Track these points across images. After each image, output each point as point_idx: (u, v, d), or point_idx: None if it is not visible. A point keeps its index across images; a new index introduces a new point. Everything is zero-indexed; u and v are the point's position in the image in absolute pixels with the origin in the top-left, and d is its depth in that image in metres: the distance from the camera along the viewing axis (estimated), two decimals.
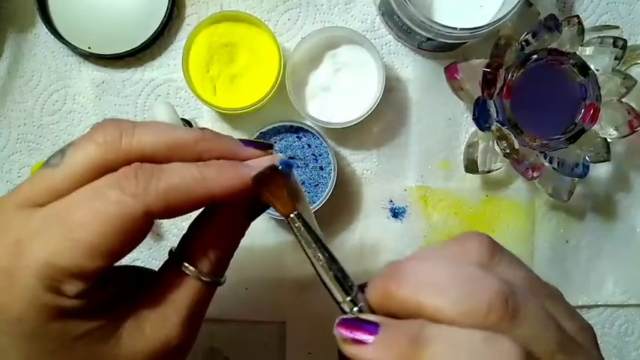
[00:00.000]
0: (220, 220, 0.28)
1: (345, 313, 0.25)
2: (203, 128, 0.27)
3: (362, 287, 0.25)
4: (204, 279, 0.27)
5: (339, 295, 0.25)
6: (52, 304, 0.23)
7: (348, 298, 0.24)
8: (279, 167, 0.27)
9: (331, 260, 0.25)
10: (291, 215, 0.26)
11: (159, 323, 0.26)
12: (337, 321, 0.24)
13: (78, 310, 0.24)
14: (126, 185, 0.23)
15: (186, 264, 0.27)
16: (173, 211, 0.24)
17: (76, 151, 0.24)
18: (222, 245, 0.28)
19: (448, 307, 0.21)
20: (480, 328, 0.21)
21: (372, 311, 0.24)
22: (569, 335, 0.23)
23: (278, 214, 0.27)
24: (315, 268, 0.26)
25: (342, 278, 0.25)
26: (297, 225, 0.26)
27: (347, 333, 0.23)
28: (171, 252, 0.28)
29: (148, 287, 0.27)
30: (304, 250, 0.26)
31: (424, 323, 0.22)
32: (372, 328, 0.23)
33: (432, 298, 0.22)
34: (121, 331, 0.25)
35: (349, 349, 0.23)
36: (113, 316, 0.25)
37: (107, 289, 0.26)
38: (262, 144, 0.28)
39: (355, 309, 0.24)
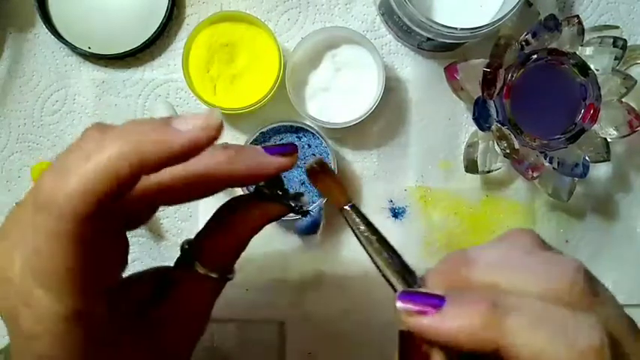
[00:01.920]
0: (235, 222, 0.29)
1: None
2: (225, 144, 0.27)
3: (423, 278, 0.24)
4: (216, 276, 0.28)
5: (399, 285, 0.24)
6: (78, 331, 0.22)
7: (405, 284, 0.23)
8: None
9: (390, 250, 0.25)
10: (346, 207, 0.27)
11: (190, 323, 0.28)
12: (398, 295, 0.23)
13: (109, 328, 0.24)
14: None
15: (199, 264, 0.28)
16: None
17: None
18: (234, 246, 0.29)
19: (532, 283, 0.21)
20: (562, 304, 0.20)
21: None
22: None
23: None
24: (374, 259, 0.25)
25: (402, 268, 0.24)
26: (353, 217, 0.26)
27: (409, 305, 0.22)
28: (182, 248, 0.29)
29: (169, 291, 0.28)
30: (361, 243, 0.25)
31: (503, 293, 0.21)
32: (437, 297, 0.21)
33: (510, 276, 0.21)
34: (160, 337, 0.27)
35: (415, 322, 0.21)
36: (148, 323, 0.27)
37: (129, 298, 0.27)
38: (285, 147, 0.28)
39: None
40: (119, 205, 0.23)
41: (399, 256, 0.25)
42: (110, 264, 0.25)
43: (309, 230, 0.30)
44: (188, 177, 0.26)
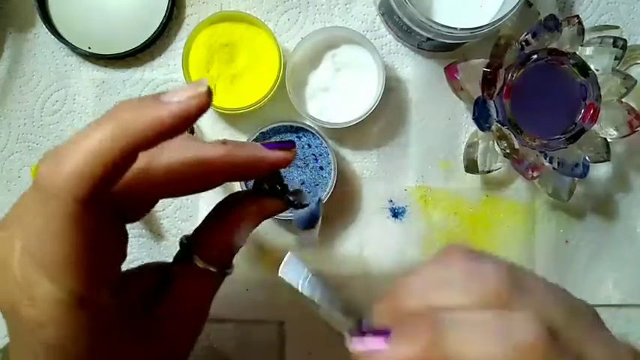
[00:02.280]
0: (233, 216, 0.29)
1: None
2: (224, 140, 0.28)
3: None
4: (215, 271, 0.29)
5: (344, 327, 0.24)
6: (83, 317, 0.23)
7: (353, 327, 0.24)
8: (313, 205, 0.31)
9: (332, 294, 0.25)
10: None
11: (190, 318, 0.28)
12: (348, 341, 0.24)
13: (110, 317, 0.24)
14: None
15: (197, 258, 0.28)
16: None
17: None
18: (232, 240, 0.29)
19: (458, 297, 0.21)
20: (495, 308, 0.21)
21: None
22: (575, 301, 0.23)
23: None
24: (317, 309, 0.26)
25: (346, 310, 0.25)
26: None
27: (360, 346, 0.23)
28: (182, 243, 0.29)
29: (169, 286, 0.28)
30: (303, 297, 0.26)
31: (438, 311, 0.21)
32: (383, 332, 0.22)
33: (441, 295, 0.22)
34: (163, 332, 0.27)
35: None
36: (152, 318, 0.27)
37: (130, 292, 0.27)
38: (284, 143, 0.29)
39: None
40: (118, 193, 0.23)
41: (340, 299, 0.25)
42: (110, 254, 0.25)
43: (307, 224, 0.30)
44: (187, 167, 0.26)
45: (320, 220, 0.30)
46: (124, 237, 0.27)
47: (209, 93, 0.22)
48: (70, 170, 0.20)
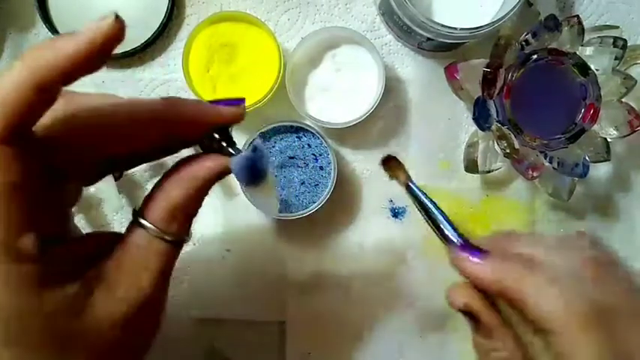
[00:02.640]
0: (177, 175, 0.27)
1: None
2: (167, 97, 0.27)
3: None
4: (165, 237, 0.26)
5: (455, 239, 0.32)
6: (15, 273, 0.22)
7: (460, 240, 0.32)
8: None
9: (442, 213, 0.33)
10: (409, 183, 0.35)
11: (128, 286, 0.25)
12: (458, 245, 0.32)
13: (40, 278, 0.23)
14: None
15: (143, 221, 0.26)
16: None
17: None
18: (179, 201, 0.26)
19: (558, 259, 0.30)
20: (579, 276, 0.29)
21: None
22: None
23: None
24: (431, 221, 0.33)
25: (453, 228, 0.33)
26: (413, 190, 0.35)
27: (463, 253, 0.31)
28: (134, 211, 0.27)
29: (115, 250, 0.26)
30: (421, 209, 0.34)
31: (534, 260, 0.30)
32: (483, 253, 0.31)
33: (544, 252, 0.30)
34: (94, 297, 0.25)
35: (466, 267, 0.31)
36: (83, 283, 0.25)
37: (69, 249, 0.25)
38: (232, 101, 0.28)
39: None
40: (46, 140, 0.24)
41: (450, 222, 0.33)
42: (39, 204, 0.24)
43: (249, 176, 0.27)
44: (127, 119, 0.25)
45: (268, 175, 0.27)
46: (68, 194, 0.26)
47: (117, 21, 0.22)
48: None
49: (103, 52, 0.22)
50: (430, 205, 0.33)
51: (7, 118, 0.21)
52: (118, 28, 0.22)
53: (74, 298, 0.24)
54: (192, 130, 0.27)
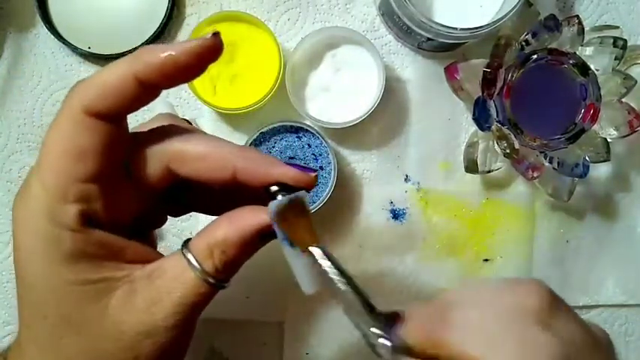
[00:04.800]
0: (228, 215, 0.27)
1: (372, 346, 0.23)
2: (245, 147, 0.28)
3: (392, 317, 0.24)
4: (204, 278, 0.26)
5: (366, 328, 0.23)
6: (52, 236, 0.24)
7: (377, 331, 0.23)
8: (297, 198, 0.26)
9: (358, 292, 0.24)
10: (315, 248, 0.25)
11: (150, 303, 0.25)
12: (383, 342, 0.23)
13: (75, 248, 0.24)
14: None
15: (188, 254, 0.26)
16: (168, 77, 0.25)
17: None
18: (220, 241, 0.26)
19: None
20: None
21: (407, 349, 0.23)
22: None
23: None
24: (340, 300, 0.24)
25: (369, 309, 0.24)
26: (319, 259, 0.25)
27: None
28: (185, 240, 0.27)
29: (151, 264, 0.26)
30: (327, 282, 0.25)
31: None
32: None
33: (482, 350, 0.21)
34: (115, 293, 0.25)
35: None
36: (112, 272, 0.25)
37: (115, 241, 0.26)
38: (306, 168, 0.27)
39: (387, 343, 0.23)
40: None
41: (367, 299, 0.24)
42: (107, 191, 0.25)
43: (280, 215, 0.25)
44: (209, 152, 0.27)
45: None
46: (136, 197, 0.27)
47: (216, 36, 0.25)
48: (84, 85, 0.24)
49: (202, 63, 0.25)
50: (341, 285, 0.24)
51: (99, 95, 0.24)
52: (216, 42, 0.25)
53: (96, 283, 0.25)
54: (259, 181, 0.27)
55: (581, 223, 0.50)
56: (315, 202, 0.44)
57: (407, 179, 0.49)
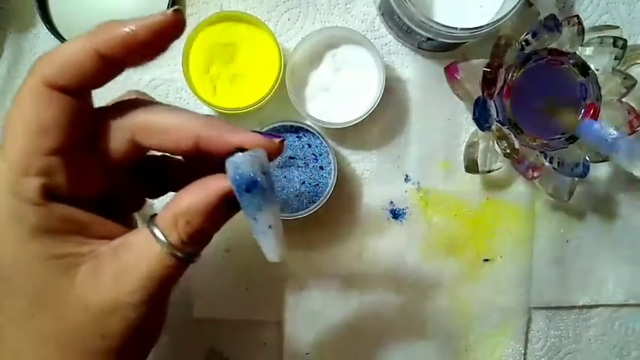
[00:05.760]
0: (191, 185, 0.26)
1: None
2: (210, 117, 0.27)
3: None
4: (171, 251, 0.25)
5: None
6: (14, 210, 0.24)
7: None
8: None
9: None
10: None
11: (114, 278, 0.25)
12: None
13: (38, 223, 0.24)
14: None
15: (153, 227, 0.25)
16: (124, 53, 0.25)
17: None
18: (184, 211, 0.25)
19: None
20: None
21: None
22: None
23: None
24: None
25: None
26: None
27: None
28: (152, 215, 0.27)
29: (117, 239, 0.26)
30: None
31: None
32: None
33: None
34: (80, 269, 0.25)
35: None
36: (77, 247, 0.25)
37: (82, 216, 0.25)
38: (272, 135, 0.27)
39: None
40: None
41: None
42: (70, 164, 0.25)
43: (243, 185, 0.24)
44: (174, 124, 0.26)
45: (265, 188, 0.24)
46: (102, 173, 0.26)
47: (177, 12, 0.25)
48: (46, 58, 0.24)
49: (160, 39, 0.26)
50: None
51: (60, 69, 0.24)
52: (176, 18, 0.25)
53: (62, 258, 0.24)
54: (223, 148, 0.26)
55: (581, 223, 0.50)
56: (315, 202, 0.44)
57: (407, 179, 0.49)
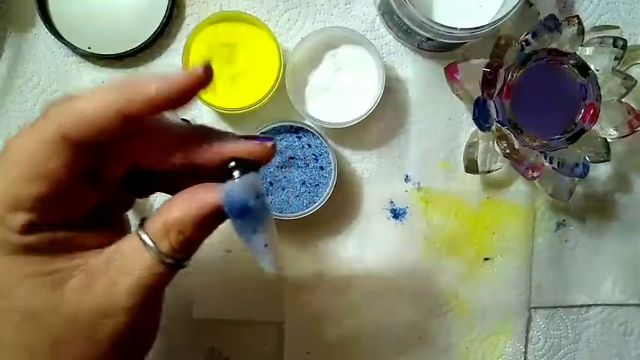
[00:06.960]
0: (183, 194, 0.26)
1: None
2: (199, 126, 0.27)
3: None
4: (161, 258, 0.25)
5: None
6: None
7: None
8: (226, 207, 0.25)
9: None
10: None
11: (107, 286, 0.25)
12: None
13: (26, 246, 0.24)
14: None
15: (143, 234, 0.25)
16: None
17: None
18: (175, 221, 0.25)
19: None
20: None
21: None
22: None
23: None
24: None
25: None
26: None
27: None
28: (140, 220, 0.27)
29: (108, 248, 0.26)
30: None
31: None
32: None
33: None
34: (70, 282, 0.25)
35: None
36: (66, 262, 0.25)
37: (61, 231, 0.26)
38: (262, 139, 0.27)
39: None
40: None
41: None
42: (63, 198, 0.25)
43: (235, 212, 0.25)
44: (160, 135, 0.27)
45: (258, 210, 0.25)
46: (92, 196, 0.27)
47: (207, 69, 0.24)
48: (64, 109, 0.24)
49: (188, 94, 0.25)
50: None
51: (77, 125, 0.24)
52: (207, 75, 0.24)
53: (50, 274, 0.25)
54: (213, 160, 0.26)
55: (581, 223, 0.50)
56: (315, 202, 0.44)
57: (407, 179, 0.49)
